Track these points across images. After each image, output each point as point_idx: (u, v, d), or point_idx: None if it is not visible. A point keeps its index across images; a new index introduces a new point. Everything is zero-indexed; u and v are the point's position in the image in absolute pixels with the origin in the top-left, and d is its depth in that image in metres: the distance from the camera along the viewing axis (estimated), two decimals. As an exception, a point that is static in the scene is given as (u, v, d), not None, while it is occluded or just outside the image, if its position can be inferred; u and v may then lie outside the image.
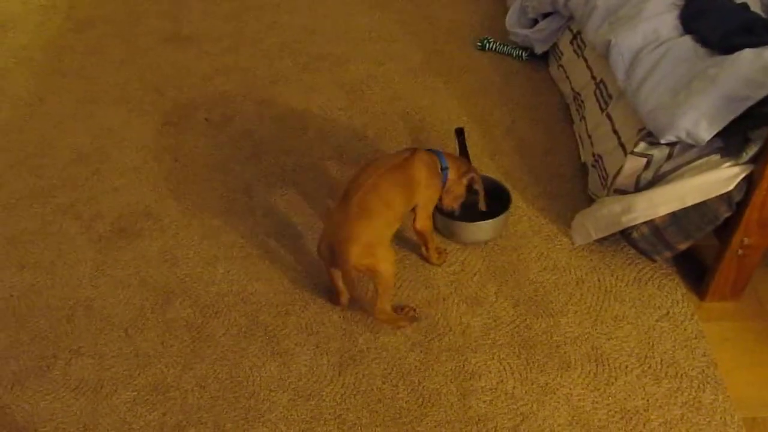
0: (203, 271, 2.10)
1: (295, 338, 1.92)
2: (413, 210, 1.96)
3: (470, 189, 2.06)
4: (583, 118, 2.34)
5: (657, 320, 1.94)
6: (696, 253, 2.07)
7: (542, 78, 2.71)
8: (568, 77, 2.52)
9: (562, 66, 2.57)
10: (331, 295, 1.98)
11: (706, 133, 1.78)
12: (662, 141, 1.86)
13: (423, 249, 2.07)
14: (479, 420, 1.75)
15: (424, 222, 1.98)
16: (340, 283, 1.90)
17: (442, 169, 2.00)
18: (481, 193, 2.06)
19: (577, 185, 2.30)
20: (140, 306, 2.01)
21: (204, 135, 2.53)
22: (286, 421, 1.75)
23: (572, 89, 2.47)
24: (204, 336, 1.93)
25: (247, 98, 2.68)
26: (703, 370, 1.83)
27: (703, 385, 1.80)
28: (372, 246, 1.78)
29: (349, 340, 1.91)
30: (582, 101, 2.37)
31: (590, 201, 2.18)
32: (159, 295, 2.03)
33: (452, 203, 2.07)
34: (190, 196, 2.31)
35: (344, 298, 1.95)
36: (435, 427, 1.73)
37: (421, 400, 1.79)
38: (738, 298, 1.98)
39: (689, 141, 1.82)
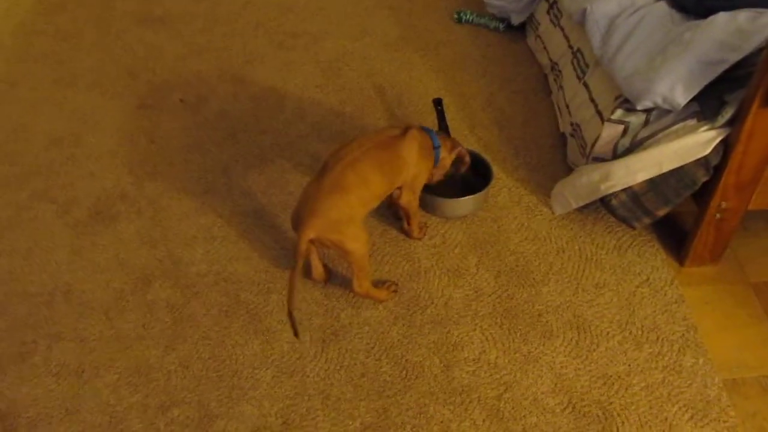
0: (182, 252, 2.08)
1: (277, 316, 1.92)
2: (399, 187, 1.94)
3: (455, 163, 2.05)
4: (561, 87, 2.33)
5: (637, 286, 1.95)
6: (675, 219, 2.08)
7: (520, 49, 2.70)
8: (545, 47, 2.50)
9: (539, 36, 2.56)
10: (309, 270, 1.96)
11: (682, 97, 1.78)
12: (638, 107, 1.86)
13: (404, 223, 2.06)
14: (463, 390, 1.75)
15: (409, 198, 1.96)
16: (314, 258, 1.89)
17: (434, 148, 1.99)
18: (466, 165, 2.06)
19: (556, 155, 2.30)
20: (120, 289, 1.99)
21: (179, 116, 2.50)
22: (270, 398, 1.75)
23: (550, 59, 2.46)
24: (185, 316, 1.92)
25: (222, 78, 2.65)
26: (684, 334, 1.85)
27: (684, 348, 1.82)
28: (340, 222, 1.74)
29: (331, 315, 1.91)
30: (559, 71, 2.36)
31: (570, 171, 2.18)
32: (138, 278, 2.01)
33: (439, 177, 2.06)
34: (167, 178, 2.29)
35: (317, 272, 1.94)
36: (419, 398, 1.74)
37: (404, 372, 1.79)
38: (717, 262, 2.00)
39: (666, 106, 1.82)
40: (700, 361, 1.79)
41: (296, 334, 1.72)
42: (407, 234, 2.07)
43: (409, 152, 1.89)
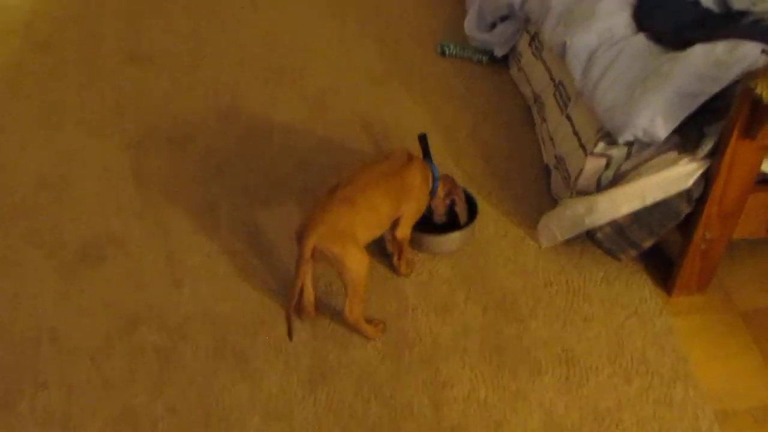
0: (169, 293, 2.07)
1: (264, 357, 1.90)
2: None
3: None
4: (544, 119, 2.35)
5: (626, 318, 1.95)
6: (662, 248, 2.08)
7: (504, 81, 2.71)
8: (528, 79, 2.52)
9: (522, 68, 2.58)
10: (298, 307, 1.95)
11: (662, 130, 1.79)
12: (620, 140, 1.87)
13: (394, 259, 2.06)
14: (453, 430, 1.74)
15: (405, 231, 1.97)
16: (308, 281, 1.88)
17: (433, 180, 2.00)
18: (462, 208, 2.07)
19: (541, 187, 2.30)
20: (106, 333, 1.98)
21: (166, 155, 2.50)
22: (258, 443, 1.74)
23: (533, 91, 2.48)
24: (172, 360, 1.91)
25: (208, 115, 2.65)
26: (674, 366, 1.84)
27: (674, 381, 1.81)
28: (344, 236, 1.76)
29: (318, 356, 1.90)
30: (542, 103, 2.38)
31: (555, 202, 2.19)
32: (125, 321, 2.00)
33: (440, 216, 2.08)
34: (154, 218, 2.28)
35: (308, 296, 1.91)
36: (408, 439, 1.73)
37: (393, 413, 1.78)
38: (704, 291, 2.00)
39: (646, 139, 1.83)
40: (691, 393, 1.79)
41: (290, 335, 1.80)
42: (395, 270, 2.07)
43: (414, 180, 1.92)
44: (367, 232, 1.85)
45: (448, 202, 2.04)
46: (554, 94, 2.28)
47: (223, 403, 1.81)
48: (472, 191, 2.24)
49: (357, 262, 1.78)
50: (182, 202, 2.33)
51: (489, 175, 2.36)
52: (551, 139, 2.25)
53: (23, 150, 2.55)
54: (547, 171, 2.31)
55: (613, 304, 1.98)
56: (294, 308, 1.89)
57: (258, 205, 2.31)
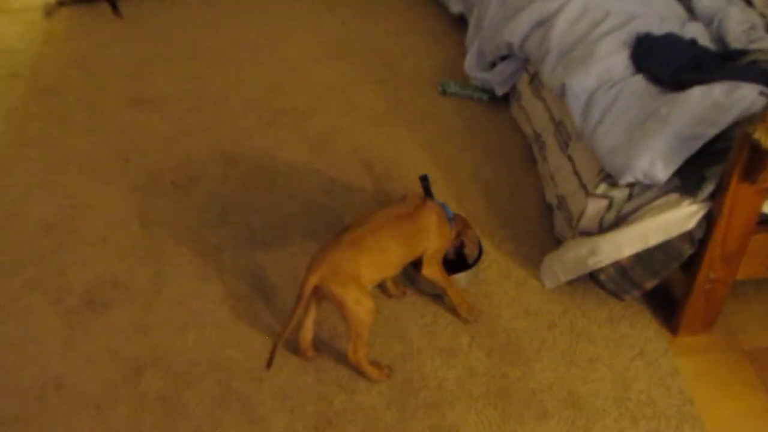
0: (174, 339, 2.07)
1: (270, 404, 1.90)
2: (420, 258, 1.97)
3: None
4: (545, 158, 2.36)
5: (631, 359, 1.94)
6: (666, 287, 2.08)
7: (505, 119, 2.74)
8: (529, 118, 2.55)
9: (522, 107, 2.60)
10: (299, 348, 1.96)
11: (662, 173, 1.80)
12: (621, 182, 1.88)
13: (447, 299, 2.07)
14: (459, 477, 1.73)
15: (431, 269, 1.99)
16: (308, 320, 1.89)
17: (449, 220, 2.03)
18: (471, 249, 2.08)
19: (544, 227, 2.32)
20: (111, 380, 1.98)
21: (171, 199, 2.53)
22: (264, 493, 1.72)
23: (533, 130, 2.50)
24: (177, 408, 1.90)
25: (212, 158, 2.68)
26: (680, 408, 1.83)
27: (681, 423, 1.80)
28: (347, 277, 1.78)
29: (324, 402, 1.89)
30: (543, 142, 2.40)
31: (558, 242, 2.20)
32: (130, 368, 2.00)
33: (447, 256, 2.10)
34: (159, 262, 2.30)
35: (305, 333, 1.91)
36: (415, 487, 1.72)
37: (399, 460, 1.77)
38: (709, 330, 1.99)
39: (647, 182, 1.84)
40: (698, 436, 1.78)
41: (269, 364, 1.84)
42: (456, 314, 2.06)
43: (429, 221, 1.94)
44: (375, 273, 1.87)
45: (457, 243, 2.05)
46: (554, 134, 2.30)
47: (229, 452, 1.81)
48: (476, 232, 2.25)
49: (359, 305, 1.79)
50: (187, 246, 2.35)
51: (491, 215, 2.37)
52: (552, 178, 2.27)
53: (29, 195, 2.58)
54: (549, 210, 2.32)
55: (618, 344, 1.98)
56: (297, 348, 1.90)
57: (262, 248, 2.32)
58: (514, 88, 2.70)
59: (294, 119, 2.84)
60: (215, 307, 2.15)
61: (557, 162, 2.25)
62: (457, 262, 2.11)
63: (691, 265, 1.86)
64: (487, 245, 2.26)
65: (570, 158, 2.16)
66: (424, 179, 2.28)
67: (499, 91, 2.74)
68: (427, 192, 2.27)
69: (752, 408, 1.83)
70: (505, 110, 2.77)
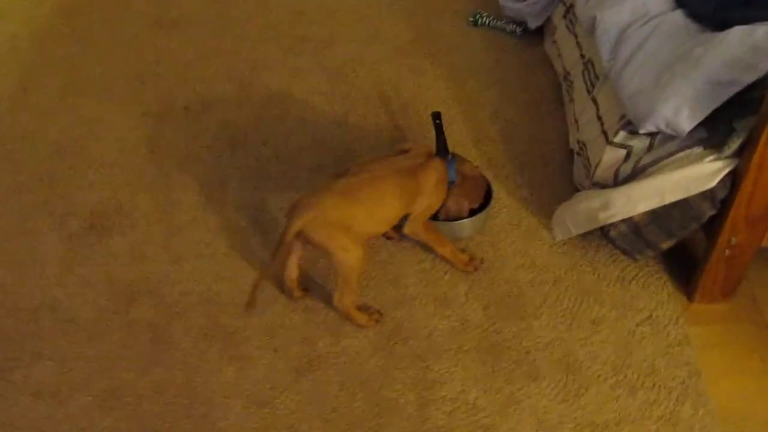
0: (170, 269, 2.05)
1: (254, 341, 1.86)
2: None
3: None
4: (572, 99, 2.18)
5: (638, 324, 1.80)
6: (687, 248, 1.91)
7: (536, 56, 2.54)
8: (560, 54, 2.34)
9: (555, 42, 2.39)
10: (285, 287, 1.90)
11: (687, 122, 1.61)
12: (641, 130, 1.70)
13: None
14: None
15: (413, 228, 1.88)
16: (291, 261, 1.83)
17: (449, 183, 1.90)
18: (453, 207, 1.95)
19: (564, 173, 2.15)
20: (104, 306, 1.98)
21: (182, 125, 2.47)
22: (238, 430, 1.70)
23: (564, 68, 2.30)
24: (164, 338, 1.89)
25: (228, 85, 2.59)
26: (684, 380, 1.69)
27: (683, 396, 1.67)
28: (335, 227, 1.69)
29: (308, 343, 1.84)
30: (571, 81, 2.20)
31: (576, 191, 2.03)
32: (123, 295, 1.99)
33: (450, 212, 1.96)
34: (163, 190, 2.26)
35: (290, 273, 1.85)
36: (390, 439, 1.66)
37: (377, 409, 1.71)
38: (729, 299, 1.82)
39: (669, 131, 1.65)
40: (701, 412, 1.64)
41: (248, 305, 1.75)
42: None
43: (426, 182, 1.83)
44: (370, 227, 1.78)
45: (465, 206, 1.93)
46: (583, 73, 2.10)
47: (209, 387, 1.78)
48: (489, 175, 2.11)
49: (347, 252, 1.70)
50: (192, 174, 2.30)
51: (509, 158, 2.22)
52: (576, 122, 2.09)
53: (45, 116, 2.57)
54: (572, 156, 2.14)
55: (627, 307, 1.84)
56: (281, 287, 1.85)
57: (267, 181, 2.25)
58: (548, 21, 2.48)
59: (315, 47, 2.71)
60: (212, 239, 2.11)
61: (582, 104, 2.06)
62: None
63: (712, 227, 1.69)
64: (499, 190, 2.12)
65: (595, 101, 1.97)
66: (436, 116, 2.13)
67: (533, 24, 2.53)
68: (439, 131, 2.12)
69: (765, 387, 1.67)
70: (539, 46, 2.56)
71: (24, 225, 2.21)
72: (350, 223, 1.70)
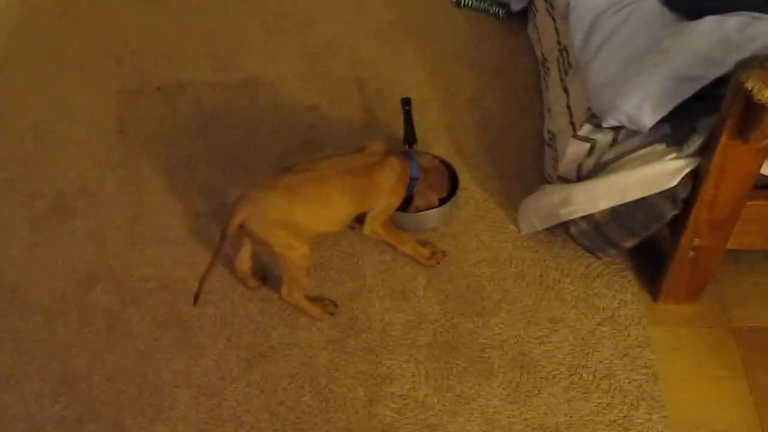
0: (130, 253, 2.02)
1: (208, 330, 1.84)
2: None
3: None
4: (547, 88, 2.09)
5: (598, 324, 1.74)
6: (656, 246, 1.83)
7: (519, 40, 2.44)
8: (540, 39, 2.25)
9: (536, 26, 2.30)
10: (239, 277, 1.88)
11: (649, 118, 1.53)
12: (604, 125, 1.63)
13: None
14: (382, 430, 1.62)
15: (372, 228, 1.82)
16: (243, 252, 1.80)
17: (411, 179, 1.83)
18: (422, 202, 1.88)
19: (537, 164, 2.07)
20: (63, 290, 1.96)
21: (154, 105, 2.43)
22: (185, 421, 1.68)
23: (542, 53, 2.21)
24: (120, 325, 1.87)
25: (204, 63, 2.54)
26: (641, 385, 1.64)
27: (638, 401, 1.61)
28: (274, 224, 1.65)
29: (262, 334, 1.81)
30: (548, 68, 2.12)
31: (546, 182, 1.96)
32: (83, 279, 1.98)
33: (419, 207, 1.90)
34: (130, 171, 2.23)
35: (241, 263, 1.82)
36: (334, 434, 1.63)
37: (325, 404, 1.68)
38: (695, 300, 1.75)
39: (631, 126, 1.58)
40: (654, 417, 1.58)
41: (195, 300, 1.76)
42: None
43: (384, 182, 1.77)
44: (316, 226, 1.72)
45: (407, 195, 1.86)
46: (558, 60, 2.02)
47: (159, 375, 1.77)
48: (458, 164, 2.05)
49: (289, 250, 1.67)
50: (160, 156, 2.26)
51: (481, 147, 2.15)
52: (549, 110, 2.01)
53: (22, 92, 2.54)
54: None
55: (588, 306, 1.78)
56: (239, 278, 1.83)
57: (234, 165, 2.21)
58: (531, 3, 2.38)
59: (296, 25, 2.64)
60: (176, 224, 2.08)
61: (556, 93, 1.98)
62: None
63: (676, 227, 1.61)
64: (468, 180, 2.06)
65: (566, 90, 1.89)
66: (405, 103, 2.07)
67: (516, 6, 2.43)
68: (408, 118, 2.06)
69: (725, 395, 1.61)
70: (522, 30, 2.47)
71: (-8, 205, 2.21)
72: (292, 221, 1.66)
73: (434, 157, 1.91)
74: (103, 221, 2.11)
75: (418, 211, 1.88)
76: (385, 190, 1.77)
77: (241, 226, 1.64)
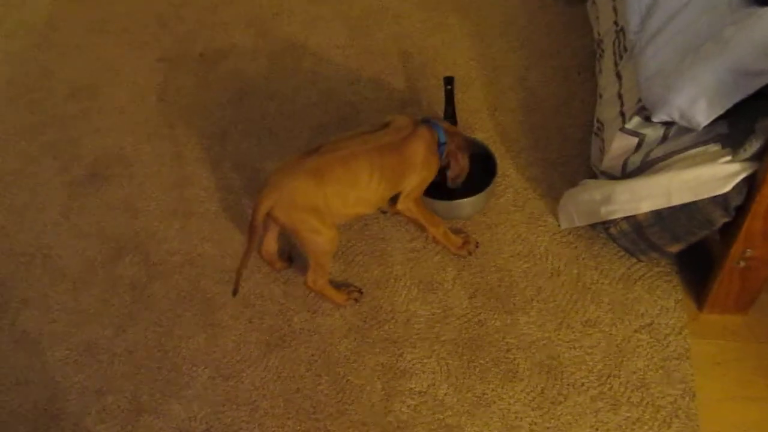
0: (159, 225, 2.01)
1: (230, 309, 1.81)
2: None
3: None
4: (601, 71, 1.95)
5: (635, 330, 1.63)
6: (706, 250, 1.69)
7: (576, 16, 2.28)
8: (598, 17, 2.09)
9: (595, 2, 2.14)
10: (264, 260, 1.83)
11: (703, 115, 1.39)
12: (654, 119, 1.49)
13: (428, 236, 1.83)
14: (398, 426, 1.57)
15: (406, 204, 1.74)
16: (269, 236, 1.75)
17: (439, 145, 1.74)
18: (456, 173, 1.77)
19: (583, 152, 1.95)
20: (93, 259, 1.97)
21: (194, 72, 2.39)
22: (200, 400, 1.67)
23: (598, 33, 2.05)
24: (144, 297, 1.87)
25: (246, 31, 2.48)
26: (676, 400, 1.53)
27: (671, 418, 1.50)
28: (302, 210, 1.59)
29: (283, 317, 1.77)
30: (603, 50, 1.96)
31: (592, 175, 1.84)
32: (112, 249, 1.98)
33: (456, 176, 1.79)
34: (166, 141, 2.21)
35: (267, 247, 1.77)
36: (348, 428, 1.58)
37: (341, 395, 1.63)
38: (744, 312, 1.62)
39: (683, 123, 1.44)
40: (687, 437, 1.48)
41: (234, 292, 1.70)
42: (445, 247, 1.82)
43: (415, 156, 1.68)
44: (344, 209, 1.65)
45: (443, 163, 1.75)
46: (614, 42, 1.87)
47: (179, 352, 1.76)
48: (499, 149, 1.94)
49: (316, 235, 1.60)
50: (196, 126, 2.23)
51: (525, 132, 2.03)
52: (600, 96, 1.87)
53: (65, 56, 2.54)
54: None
55: (626, 310, 1.66)
56: (264, 260, 1.79)
57: (268, 138, 2.16)
58: (591, -24, 2.21)
59: (340, -7, 2.55)
60: (206, 197, 2.05)
61: (608, 78, 1.83)
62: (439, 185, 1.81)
63: (727, 234, 1.48)
64: (508, 167, 1.95)
65: (619, 76, 1.75)
66: (448, 82, 1.96)
67: (574, -22, 2.27)
68: (449, 97, 1.95)
69: (767, 418, 1.49)
70: (580, 6, 2.30)
71: (30, 168, 2.22)
72: (320, 205, 1.59)
73: (464, 138, 1.79)
74: (136, 191, 2.10)
75: (455, 181, 1.78)
76: (418, 165, 1.68)
77: (268, 213, 1.58)
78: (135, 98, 2.35)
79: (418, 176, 1.70)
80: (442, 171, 1.76)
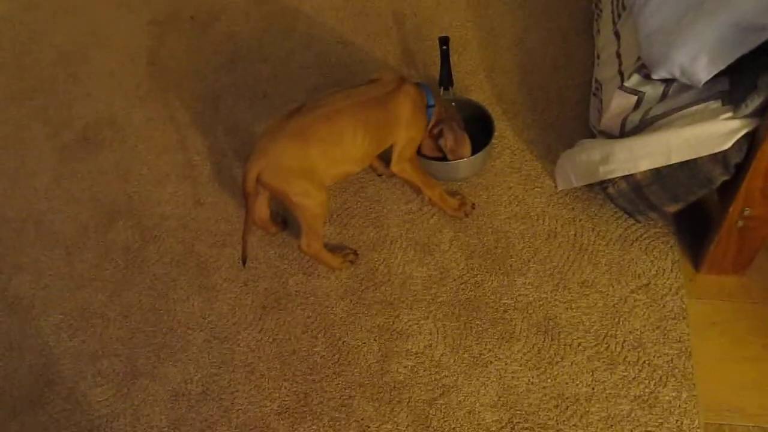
0: (152, 189, 1.99)
1: (225, 273, 1.80)
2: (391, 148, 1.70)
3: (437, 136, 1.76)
4: (598, 32, 1.92)
5: (632, 291, 1.62)
6: (703, 210, 1.69)
7: (574, -26, 2.25)
8: (596, -24, 2.05)
9: (594, -39, 2.10)
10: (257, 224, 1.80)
11: (704, 72, 1.37)
12: (654, 76, 1.47)
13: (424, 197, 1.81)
14: (395, 387, 1.57)
15: (401, 165, 1.71)
16: (260, 201, 1.72)
17: (427, 107, 1.71)
18: (452, 144, 1.74)
19: (580, 113, 1.92)
20: (85, 224, 1.95)
21: (186, 36, 2.35)
22: (196, 363, 1.67)
23: (597, -8, 2.02)
24: (138, 261, 1.85)
25: (239, -8, 2.44)
26: (672, 360, 1.52)
27: (667, 377, 1.50)
28: (289, 172, 1.56)
29: (278, 280, 1.76)
30: (601, 10, 1.93)
31: (590, 135, 1.82)
32: (105, 213, 1.96)
33: (427, 151, 1.79)
34: (157, 105, 2.18)
35: (260, 213, 1.74)
36: (345, 388, 1.58)
37: (338, 356, 1.63)
38: (742, 273, 1.61)
39: (684, 80, 1.41)
40: (683, 396, 1.48)
41: (243, 261, 1.71)
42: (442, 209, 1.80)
43: (402, 108, 1.64)
44: (333, 168, 1.62)
45: (435, 132, 1.73)
46: (612, 1, 1.84)
47: (174, 316, 1.75)
48: (496, 110, 1.92)
49: (307, 198, 1.58)
50: (188, 90, 2.19)
51: (522, 93, 2.00)
52: (598, 57, 1.84)
53: (55, 19, 2.50)
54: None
55: (623, 271, 1.65)
56: (258, 227, 1.77)
57: (262, 101, 2.12)
58: (590, -66, 2.17)
59: (335, -46, 2.49)
60: (199, 161, 2.03)
61: (606, 38, 1.81)
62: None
63: (726, 193, 1.47)
64: (504, 128, 1.92)
65: (617, 35, 1.72)
66: (443, 42, 1.92)
67: (572, -62, 2.22)
68: (445, 58, 1.92)
69: (762, 377, 1.48)
70: (579, -37, 2.26)
71: (21, 133, 2.19)
72: (308, 166, 1.56)
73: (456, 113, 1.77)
74: (128, 155, 2.08)
75: (452, 148, 1.76)
76: (404, 120, 1.65)
77: (257, 179, 1.56)
78: (125, 62, 2.31)
79: (405, 134, 1.67)
80: (436, 142, 1.74)
